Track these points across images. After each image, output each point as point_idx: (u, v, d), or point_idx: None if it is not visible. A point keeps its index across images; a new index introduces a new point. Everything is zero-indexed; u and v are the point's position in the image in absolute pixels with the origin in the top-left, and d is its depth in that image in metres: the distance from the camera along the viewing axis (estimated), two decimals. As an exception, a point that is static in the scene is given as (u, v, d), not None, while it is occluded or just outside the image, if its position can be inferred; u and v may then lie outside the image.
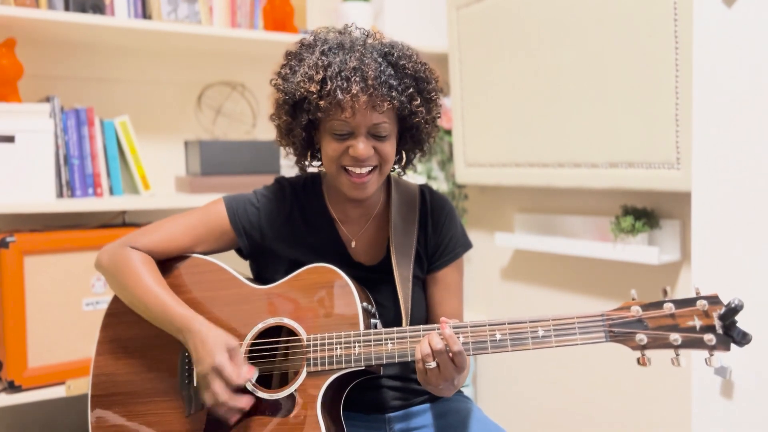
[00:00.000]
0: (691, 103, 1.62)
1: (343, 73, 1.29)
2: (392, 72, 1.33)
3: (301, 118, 1.36)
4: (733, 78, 1.50)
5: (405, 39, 1.43)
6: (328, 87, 1.29)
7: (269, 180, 1.57)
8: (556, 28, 2.18)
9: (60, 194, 2.16)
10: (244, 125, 2.66)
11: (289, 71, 1.37)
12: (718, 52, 1.53)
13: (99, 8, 2.18)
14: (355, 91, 1.28)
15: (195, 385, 1.38)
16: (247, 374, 1.30)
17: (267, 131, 2.67)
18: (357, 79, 1.29)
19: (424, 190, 1.57)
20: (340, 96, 1.29)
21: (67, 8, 2.13)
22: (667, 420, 2.09)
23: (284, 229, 1.48)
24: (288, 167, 2.56)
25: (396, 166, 1.52)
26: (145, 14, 2.28)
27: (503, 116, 2.41)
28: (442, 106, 2.69)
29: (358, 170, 1.36)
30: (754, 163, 1.48)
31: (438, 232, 1.53)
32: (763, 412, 1.49)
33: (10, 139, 2.03)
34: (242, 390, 1.32)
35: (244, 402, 1.30)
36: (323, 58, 1.32)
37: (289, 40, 2.43)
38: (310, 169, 1.53)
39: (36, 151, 2.07)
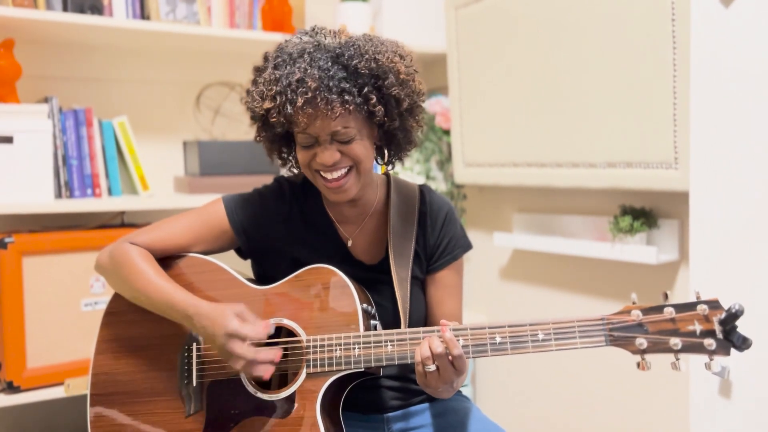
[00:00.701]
0: (688, 103, 1.62)
1: (290, 87, 1.28)
2: (344, 75, 1.30)
3: (272, 131, 1.38)
4: (731, 78, 1.51)
5: (403, 39, 1.42)
6: (277, 102, 1.29)
7: (268, 180, 1.57)
8: (555, 28, 2.18)
9: (58, 195, 2.16)
10: (243, 125, 2.65)
11: (252, 86, 1.38)
12: (716, 52, 1.53)
13: (97, 9, 2.17)
14: (300, 103, 1.27)
15: (194, 384, 1.39)
16: (265, 328, 1.29)
17: (265, 131, 2.67)
18: (302, 90, 1.27)
19: (423, 190, 1.56)
20: (289, 110, 1.28)
21: (65, 9, 2.13)
22: (665, 419, 2.10)
23: (283, 228, 1.49)
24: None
25: (379, 160, 1.49)
26: (144, 15, 2.28)
27: (502, 116, 2.41)
28: (440, 105, 2.72)
29: (329, 175, 1.36)
30: (751, 162, 1.48)
31: (437, 232, 1.52)
32: (762, 412, 1.49)
33: (8, 139, 2.03)
34: (227, 409, 1.32)
35: (274, 353, 1.28)
36: (275, 72, 1.31)
37: (287, 40, 2.43)
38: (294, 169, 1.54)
39: (34, 151, 2.07)
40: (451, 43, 2.61)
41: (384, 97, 1.34)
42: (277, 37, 2.40)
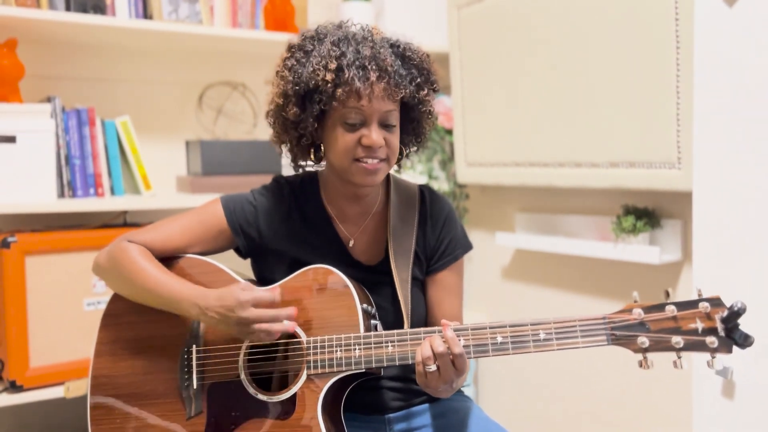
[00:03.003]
0: (692, 103, 1.62)
1: (358, 62, 1.30)
2: (400, 62, 1.36)
3: (312, 108, 1.35)
4: (734, 77, 1.50)
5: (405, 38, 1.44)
6: (345, 75, 1.30)
7: (270, 179, 1.57)
8: (557, 27, 2.17)
9: (61, 194, 2.16)
10: (245, 125, 2.66)
11: (296, 62, 1.36)
12: (719, 52, 1.53)
13: (100, 8, 2.17)
14: (372, 79, 1.30)
15: (195, 386, 1.38)
16: (275, 289, 1.32)
17: (268, 131, 2.65)
18: (373, 67, 1.30)
19: (423, 190, 1.56)
20: (357, 84, 1.30)
21: (68, 8, 2.13)
22: (668, 420, 2.09)
23: (283, 228, 1.48)
24: (289, 167, 2.56)
25: None
26: (146, 14, 2.28)
27: (504, 116, 2.40)
28: (443, 105, 2.72)
29: (371, 160, 1.37)
30: (754, 162, 1.48)
31: (437, 233, 1.52)
32: (765, 413, 1.49)
33: (11, 139, 2.03)
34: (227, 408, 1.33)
35: (290, 309, 1.31)
36: (335, 48, 1.32)
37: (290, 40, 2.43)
38: (306, 169, 1.52)
39: (37, 151, 2.07)
40: (453, 42, 2.61)
41: (430, 91, 1.42)
42: (280, 37, 2.41)
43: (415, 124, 1.45)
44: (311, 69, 1.32)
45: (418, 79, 1.38)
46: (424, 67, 1.40)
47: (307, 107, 1.36)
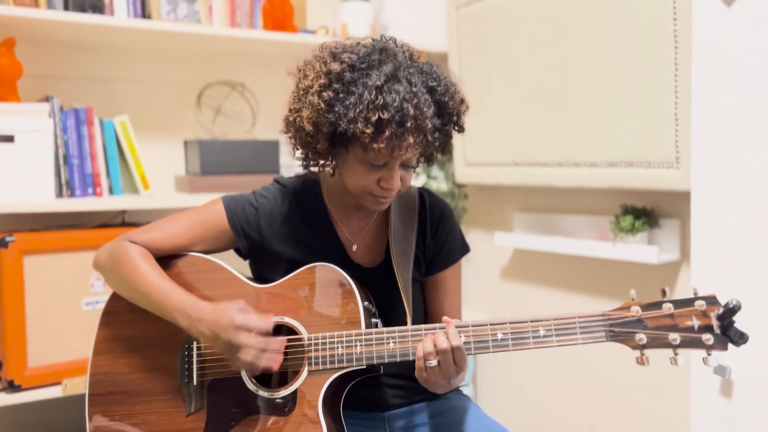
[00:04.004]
0: (690, 102, 1.62)
1: (398, 119, 1.25)
2: (435, 110, 1.31)
3: (342, 147, 1.33)
4: (733, 77, 1.50)
5: (404, 39, 1.42)
6: (385, 134, 1.25)
7: (269, 179, 1.57)
8: (556, 27, 2.18)
9: (59, 194, 2.16)
10: (244, 125, 2.66)
11: (333, 96, 1.28)
12: (718, 51, 1.53)
13: (98, 8, 2.17)
14: (410, 141, 1.27)
15: (195, 383, 1.38)
16: (269, 320, 1.31)
17: (266, 131, 2.67)
18: (413, 127, 1.26)
19: (423, 193, 1.57)
20: (394, 141, 1.27)
21: (66, 8, 2.13)
22: (666, 419, 2.09)
23: (283, 230, 1.48)
24: (288, 167, 2.56)
25: None
26: (145, 14, 2.28)
27: (503, 116, 2.41)
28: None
29: (384, 198, 1.38)
30: (753, 162, 1.48)
31: (437, 236, 1.53)
32: (763, 412, 1.49)
33: (9, 138, 2.03)
34: (225, 406, 1.32)
35: (281, 341, 1.30)
36: (379, 97, 1.25)
37: (289, 39, 2.43)
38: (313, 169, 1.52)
39: (35, 150, 2.07)
40: (452, 42, 2.61)
41: (451, 134, 1.40)
42: (278, 37, 2.41)
43: (431, 150, 1.41)
44: (352, 116, 1.26)
45: (447, 127, 1.36)
46: (457, 112, 1.37)
47: (336, 143, 1.33)
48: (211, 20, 2.40)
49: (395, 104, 1.25)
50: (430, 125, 1.28)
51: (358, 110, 1.25)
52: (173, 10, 2.31)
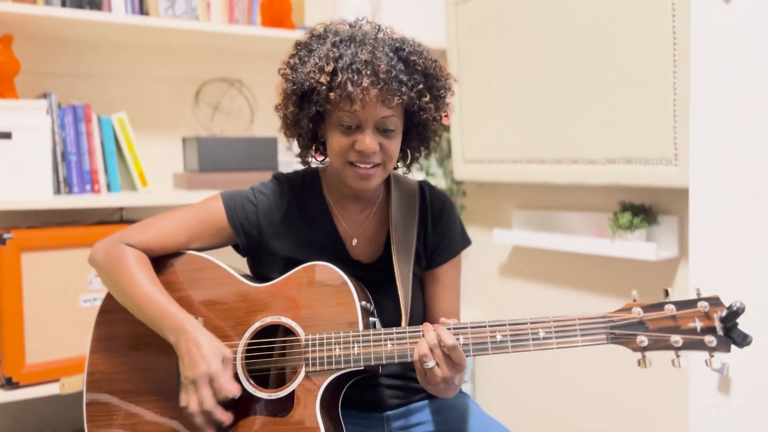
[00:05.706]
0: (688, 99, 1.62)
1: (354, 66, 1.28)
2: (403, 67, 1.33)
3: (309, 109, 1.35)
4: (731, 74, 1.50)
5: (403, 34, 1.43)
6: (339, 79, 1.28)
7: (267, 176, 1.56)
8: (555, 24, 2.17)
9: (57, 191, 2.15)
10: (242, 122, 2.65)
11: (298, 61, 1.36)
12: (716, 49, 1.53)
13: (96, 4, 2.17)
14: (365, 84, 1.28)
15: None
16: (237, 389, 1.30)
17: (265, 127, 2.67)
18: (368, 72, 1.28)
19: (423, 186, 1.56)
20: (350, 88, 1.28)
21: (64, 4, 2.12)
22: (664, 415, 2.10)
23: (282, 227, 1.47)
24: (286, 164, 2.56)
25: (400, 164, 1.51)
26: (143, 10, 2.27)
27: (501, 113, 2.40)
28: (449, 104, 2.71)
29: (363, 165, 1.36)
30: (751, 159, 1.48)
31: (437, 229, 1.52)
32: (761, 408, 1.49)
33: (7, 135, 2.02)
34: (224, 405, 1.31)
35: (227, 416, 1.30)
36: (334, 49, 1.31)
37: (287, 36, 2.42)
38: (313, 164, 1.52)
39: (33, 147, 2.06)
40: (451, 38, 2.61)
41: (433, 98, 1.38)
42: (277, 33, 2.41)
43: (420, 128, 1.42)
44: (308, 70, 1.32)
45: (420, 86, 1.34)
46: (430, 73, 1.37)
47: (304, 107, 1.36)
48: (209, 17, 2.39)
49: (348, 52, 1.30)
50: (390, 71, 1.29)
51: (314, 63, 1.32)
52: (171, 7, 2.30)
